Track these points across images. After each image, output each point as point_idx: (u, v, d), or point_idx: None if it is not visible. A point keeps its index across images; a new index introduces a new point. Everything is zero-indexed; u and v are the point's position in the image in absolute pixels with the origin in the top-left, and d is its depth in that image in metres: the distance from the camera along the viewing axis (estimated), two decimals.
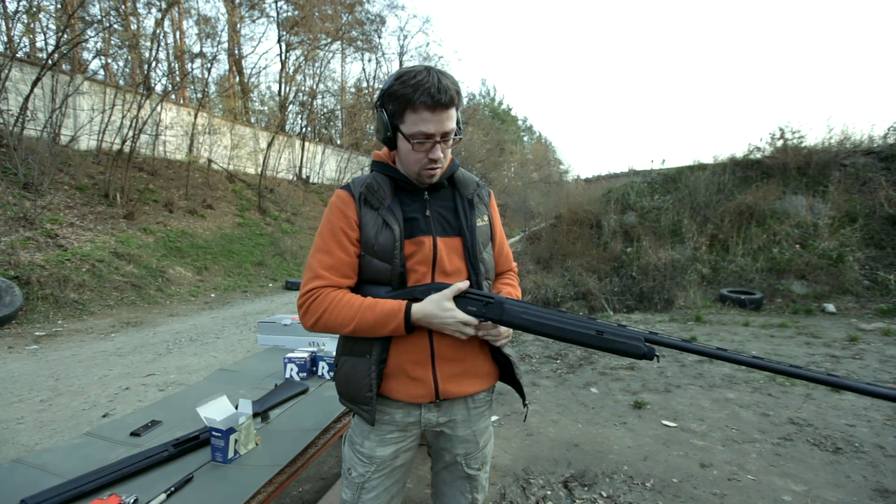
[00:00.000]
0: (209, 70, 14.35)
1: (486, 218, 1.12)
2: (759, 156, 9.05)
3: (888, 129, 8.27)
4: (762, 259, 7.37)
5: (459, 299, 0.99)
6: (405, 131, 0.96)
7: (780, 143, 8.81)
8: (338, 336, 1.10)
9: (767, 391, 3.42)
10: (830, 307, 6.16)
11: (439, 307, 0.96)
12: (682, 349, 0.88)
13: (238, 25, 15.50)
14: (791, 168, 8.36)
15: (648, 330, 0.92)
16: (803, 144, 8.56)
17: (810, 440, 2.64)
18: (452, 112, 0.96)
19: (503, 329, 1.01)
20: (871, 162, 7.91)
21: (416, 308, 0.96)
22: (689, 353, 0.89)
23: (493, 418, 2.99)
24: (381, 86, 1.01)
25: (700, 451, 2.54)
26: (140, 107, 9.66)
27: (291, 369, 1.96)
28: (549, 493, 2.17)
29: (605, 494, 2.14)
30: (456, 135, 1.00)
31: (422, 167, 1.00)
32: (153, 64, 10.66)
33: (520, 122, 49.96)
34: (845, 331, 5.11)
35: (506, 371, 1.15)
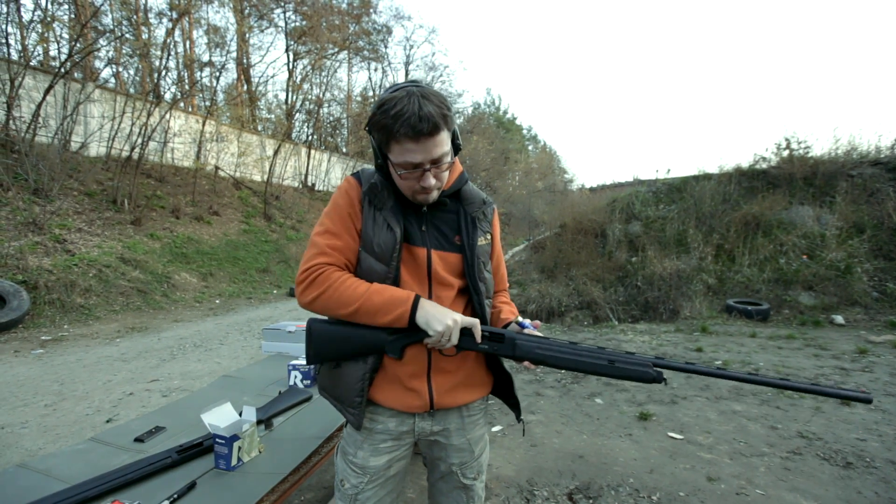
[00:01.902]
0: (217, 79, 14.54)
1: (488, 237, 1.10)
2: (764, 166, 9.02)
3: (895, 140, 8.24)
4: (769, 269, 7.31)
5: (470, 335, 0.98)
6: (393, 160, 0.94)
7: (786, 153, 8.78)
8: None
9: (775, 404, 3.37)
10: (839, 319, 6.09)
11: (443, 308, 0.96)
12: (686, 371, 0.92)
13: (247, 35, 15.73)
14: (797, 178, 8.32)
15: (654, 355, 0.94)
16: (809, 155, 8.53)
17: (820, 454, 2.59)
18: (440, 137, 0.91)
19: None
20: (878, 173, 7.86)
21: (425, 300, 0.95)
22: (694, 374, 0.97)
23: (496, 429, 2.96)
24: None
25: (707, 465, 2.50)
26: (149, 114, 9.80)
27: (295, 376, 1.96)
28: None
29: None
30: (453, 155, 0.98)
31: (414, 192, 0.99)
32: (163, 72, 10.82)
33: (525, 131, 50.06)
34: (854, 343, 5.05)
35: (501, 384, 1.14)
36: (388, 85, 24.07)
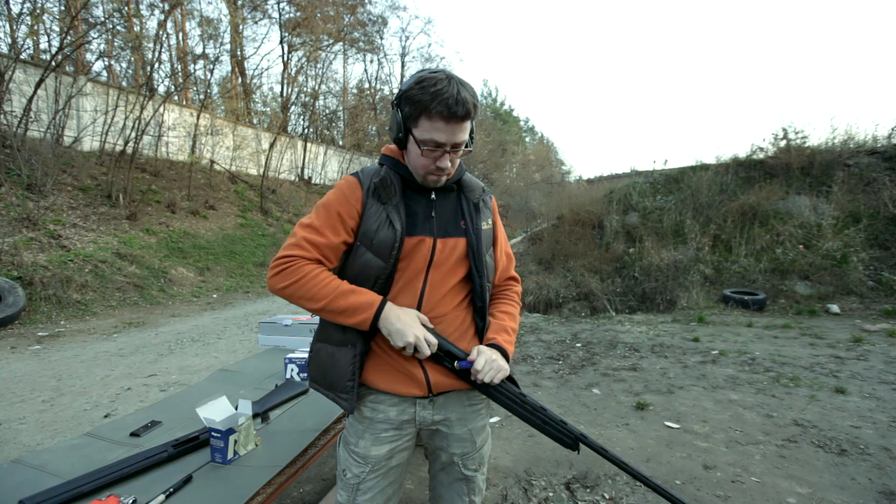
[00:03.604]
0: (212, 71, 14.39)
1: (489, 222, 1.13)
2: (761, 156, 9.02)
3: (892, 129, 8.24)
4: (765, 259, 7.34)
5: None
6: (417, 136, 0.97)
7: (783, 143, 8.78)
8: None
9: (771, 392, 3.40)
10: (834, 308, 6.12)
11: (410, 316, 0.97)
12: (603, 455, 0.99)
13: (240, 27, 15.52)
14: (794, 168, 8.32)
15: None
16: (806, 144, 8.53)
17: (815, 442, 2.62)
18: (467, 124, 0.97)
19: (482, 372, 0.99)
20: (874, 162, 7.87)
21: (390, 306, 0.97)
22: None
23: (495, 419, 2.97)
24: (400, 85, 1.01)
25: (703, 453, 2.52)
26: (143, 108, 9.69)
27: (292, 370, 1.95)
28: (550, 494, 2.15)
29: (607, 496, 2.12)
30: (467, 146, 1.01)
31: (427, 172, 1.01)
32: (156, 65, 10.70)
33: (522, 123, 49.85)
34: (850, 332, 5.08)
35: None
36: (383, 77, 23.93)
